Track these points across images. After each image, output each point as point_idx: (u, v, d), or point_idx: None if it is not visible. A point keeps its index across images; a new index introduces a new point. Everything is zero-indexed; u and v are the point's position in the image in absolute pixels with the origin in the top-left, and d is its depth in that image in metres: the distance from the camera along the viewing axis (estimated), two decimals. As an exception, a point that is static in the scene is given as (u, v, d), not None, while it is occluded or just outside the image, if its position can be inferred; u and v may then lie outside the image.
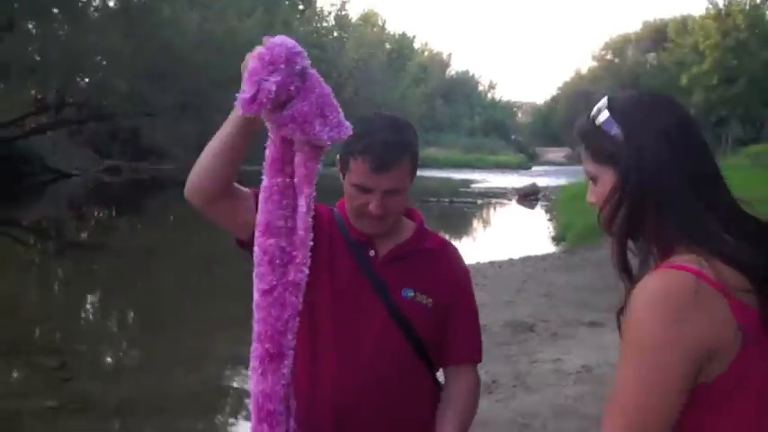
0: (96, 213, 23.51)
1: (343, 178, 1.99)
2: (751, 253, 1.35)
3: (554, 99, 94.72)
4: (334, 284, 2.01)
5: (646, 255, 1.44)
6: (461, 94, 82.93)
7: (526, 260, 13.04)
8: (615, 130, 1.44)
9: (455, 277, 2.12)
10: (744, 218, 1.42)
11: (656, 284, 1.33)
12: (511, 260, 13.02)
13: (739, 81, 48.45)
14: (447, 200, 24.42)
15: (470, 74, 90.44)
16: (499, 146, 69.53)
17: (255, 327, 1.88)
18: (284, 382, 1.88)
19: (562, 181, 31.57)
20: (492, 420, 5.23)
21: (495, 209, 26.88)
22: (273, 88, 1.69)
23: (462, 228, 20.97)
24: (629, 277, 1.45)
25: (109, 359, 8.07)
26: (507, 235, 18.16)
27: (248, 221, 1.94)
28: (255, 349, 1.88)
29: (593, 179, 1.50)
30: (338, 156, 2.00)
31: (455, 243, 2.26)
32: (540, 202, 26.60)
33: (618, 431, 1.33)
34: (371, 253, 2.04)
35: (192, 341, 8.24)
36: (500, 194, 30.83)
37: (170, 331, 8.83)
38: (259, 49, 1.74)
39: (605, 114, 1.46)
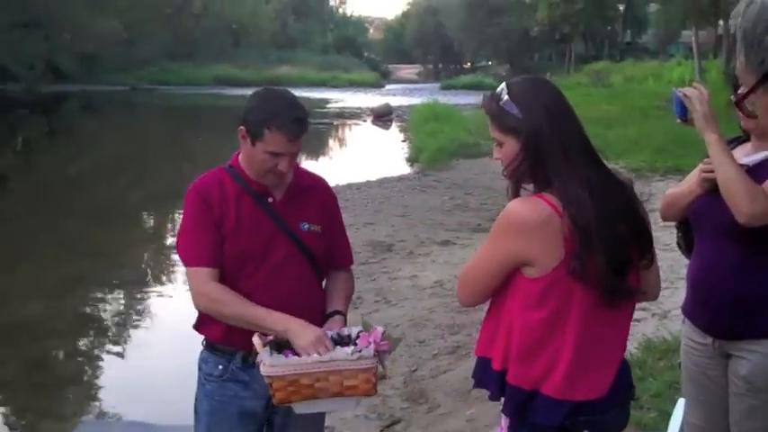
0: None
1: (253, 145, 2.49)
2: (584, 203, 1.98)
3: (405, 15, 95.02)
4: (250, 229, 2.55)
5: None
6: (313, 9, 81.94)
7: (383, 182, 13.70)
8: (515, 110, 2.06)
9: (330, 206, 2.76)
10: (599, 173, 2.06)
11: (519, 202, 2.05)
12: (368, 182, 13.67)
13: (580, -2, 50.19)
14: (305, 121, 24.59)
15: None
16: (352, 64, 69.16)
17: None
18: None
19: (415, 100, 32.23)
20: (358, 332, 5.88)
21: (351, 129, 27.41)
22: None
23: (321, 150, 21.41)
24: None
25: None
26: (364, 156, 18.66)
27: None
28: None
29: (499, 143, 2.12)
30: (244, 127, 2.50)
31: (313, 165, 2.85)
32: (394, 123, 27.24)
33: (461, 276, 2.15)
34: (270, 200, 2.59)
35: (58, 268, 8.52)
36: (355, 115, 31.30)
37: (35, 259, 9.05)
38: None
39: (506, 98, 2.08)
